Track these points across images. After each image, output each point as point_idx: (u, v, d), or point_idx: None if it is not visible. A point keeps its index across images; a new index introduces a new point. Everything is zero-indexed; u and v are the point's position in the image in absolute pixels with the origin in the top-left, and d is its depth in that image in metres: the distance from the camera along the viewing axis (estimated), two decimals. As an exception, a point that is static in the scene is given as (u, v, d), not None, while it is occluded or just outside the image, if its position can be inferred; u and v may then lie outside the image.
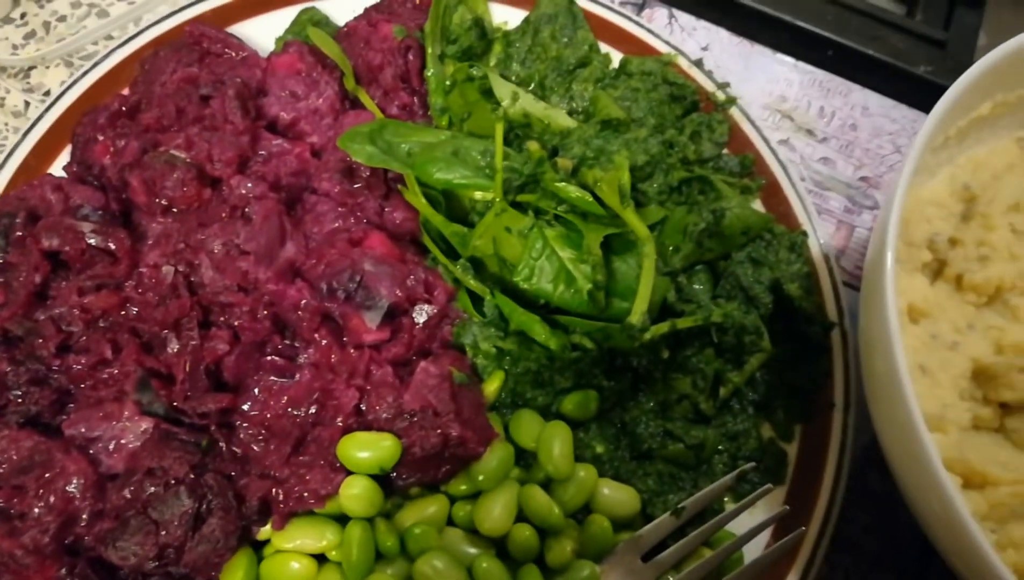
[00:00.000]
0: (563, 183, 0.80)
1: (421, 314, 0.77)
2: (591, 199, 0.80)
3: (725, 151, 0.95)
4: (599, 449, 0.79)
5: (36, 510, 0.69)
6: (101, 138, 0.83)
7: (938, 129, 0.74)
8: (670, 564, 0.75)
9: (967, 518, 0.60)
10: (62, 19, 1.16)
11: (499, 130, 0.79)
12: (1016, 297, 0.82)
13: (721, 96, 0.96)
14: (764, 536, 0.79)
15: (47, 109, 0.91)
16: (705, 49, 1.10)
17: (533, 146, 0.80)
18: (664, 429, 0.80)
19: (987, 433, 0.81)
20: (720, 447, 0.82)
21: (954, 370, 0.77)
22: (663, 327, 0.76)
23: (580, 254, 0.80)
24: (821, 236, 0.90)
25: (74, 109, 0.92)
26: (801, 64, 1.10)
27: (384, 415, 0.73)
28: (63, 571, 0.68)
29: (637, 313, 0.73)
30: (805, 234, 0.88)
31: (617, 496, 0.77)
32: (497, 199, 0.79)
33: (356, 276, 0.75)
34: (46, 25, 1.16)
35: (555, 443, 0.75)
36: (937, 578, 0.86)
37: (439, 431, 0.72)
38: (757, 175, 0.93)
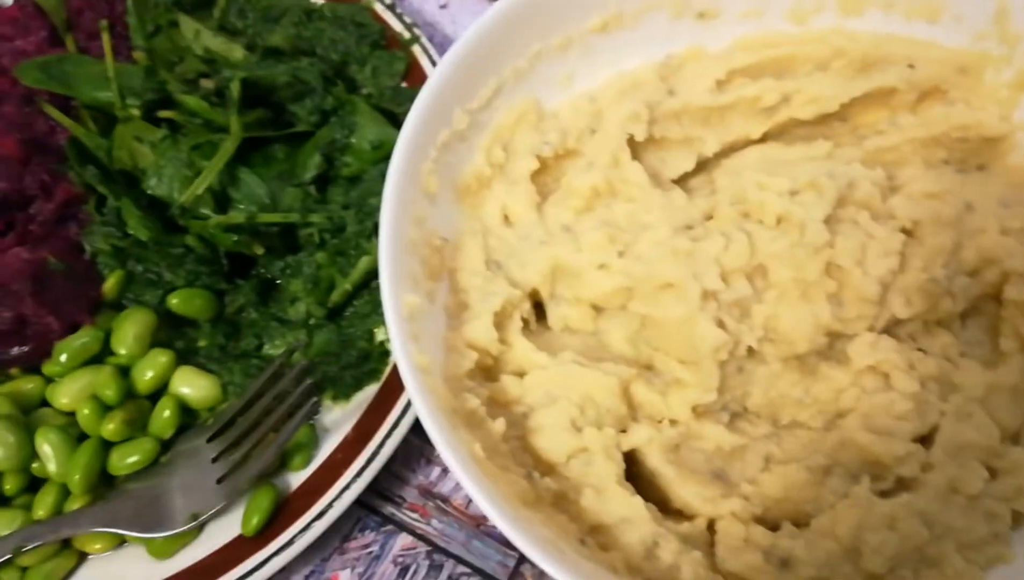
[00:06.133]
0: (188, 96, 0.87)
1: (37, 212, 0.84)
2: (207, 107, 0.86)
3: (404, 84, 0.98)
4: (202, 342, 0.83)
5: None
6: None
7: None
8: (229, 441, 0.77)
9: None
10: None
11: (107, 40, 0.86)
12: (621, 202, 0.81)
13: (406, 35, 1.00)
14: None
15: None
16: (444, 7, 1.15)
17: (139, 56, 0.87)
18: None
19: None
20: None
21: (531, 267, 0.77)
22: (237, 217, 0.80)
23: (202, 162, 0.85)
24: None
25: None
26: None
27: (-30, 293, 0.80)
28: None
29: (189, 194, 0.78)
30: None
31: (197, 381, 0.80)
32: (117, 108, 0.86)
33: (-27, 170, 0.83)
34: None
35: (128, 326, 0.79)
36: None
37: (13, 309, 0.78)
38: (428, 105, 0.96)
